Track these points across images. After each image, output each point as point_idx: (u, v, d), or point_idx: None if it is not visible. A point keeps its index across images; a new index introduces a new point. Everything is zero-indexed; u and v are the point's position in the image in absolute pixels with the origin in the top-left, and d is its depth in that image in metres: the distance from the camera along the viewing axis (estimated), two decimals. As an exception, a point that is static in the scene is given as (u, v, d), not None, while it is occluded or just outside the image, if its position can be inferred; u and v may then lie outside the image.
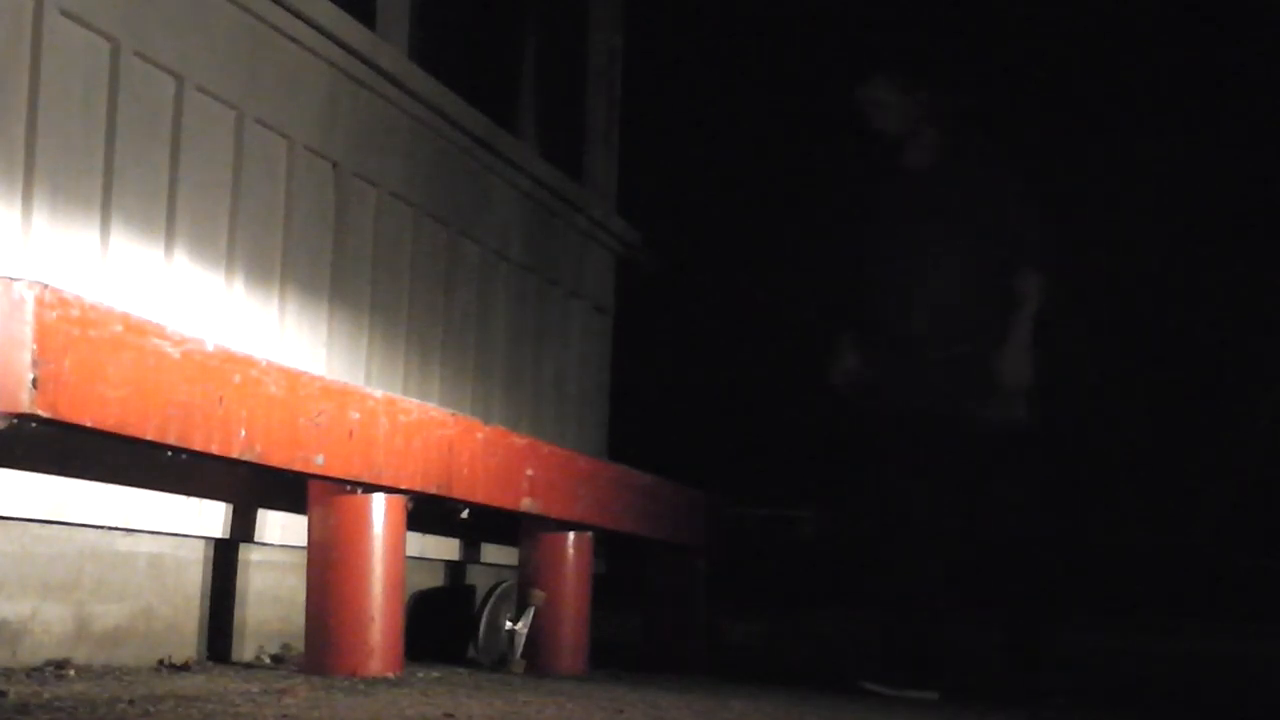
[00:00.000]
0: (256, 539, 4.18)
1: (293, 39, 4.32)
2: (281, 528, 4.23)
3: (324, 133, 4.51)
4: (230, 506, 4.05)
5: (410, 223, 5.03)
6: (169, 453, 3.19)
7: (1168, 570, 17.51)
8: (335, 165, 4.57)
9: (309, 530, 3.90)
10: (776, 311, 16.58)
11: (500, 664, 4.83)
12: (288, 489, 3.93)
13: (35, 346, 2.79)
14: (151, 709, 2.91)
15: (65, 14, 3.47)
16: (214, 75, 3.98)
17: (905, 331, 5.23)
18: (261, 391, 3.38)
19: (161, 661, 3.83)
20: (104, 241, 3.62)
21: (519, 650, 4.82)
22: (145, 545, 3.82)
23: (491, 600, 4.98)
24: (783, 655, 5.21)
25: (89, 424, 2.92)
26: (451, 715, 3.24)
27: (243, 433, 3.32)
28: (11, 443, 3.10)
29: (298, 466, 3.56)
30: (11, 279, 2.80)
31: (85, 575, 3.63)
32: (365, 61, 4.65)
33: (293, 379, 3.52)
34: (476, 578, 5.52)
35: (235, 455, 3.32)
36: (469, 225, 5.43)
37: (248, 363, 3.36)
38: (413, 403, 4.06)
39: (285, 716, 2.97)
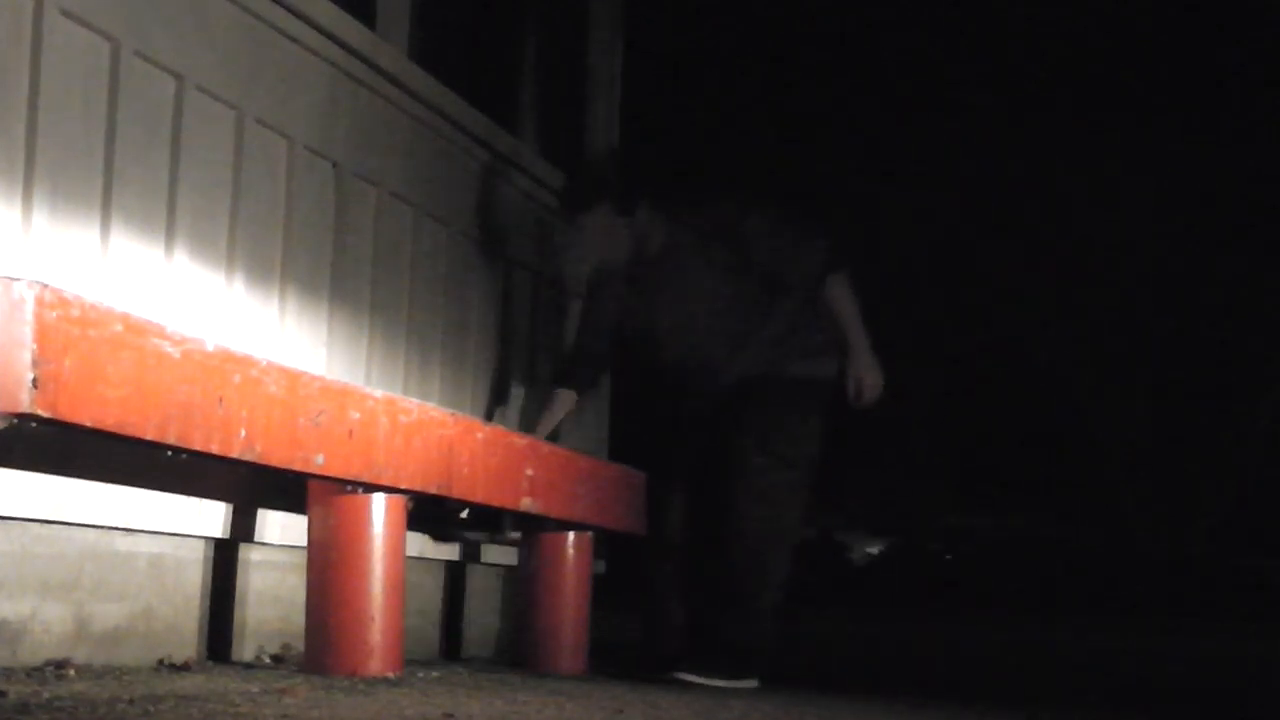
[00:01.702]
0: (256, 539, 4.18)
1: (293, 39, 4.32)
2: (281, 528, 4.23)
3: (324, 133, 4.51)
4: (230, 506, 4.05)
5: (410, 223, 5.03)
6: (169, 453, 3.19)
7: (1168, 570, 17.54)
8: (335, 165, 4.58)
9: (309, 530, 3.90)
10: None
11: (494, 535, 4.85)
12: (288, 489, 3.93)
13: (35, 346, 2.79)
14: (151, 709, 2.91)
15: (65, 14, 3.47)
16: (214, 75, 3.98)
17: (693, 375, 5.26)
18: (261, 391, 3.38)
19: (161, 661, 3.84)
20: (104, 241, 3.62)
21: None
22: (145, 545, 3.82)
23: None
24: (783, 655, 5.20)
25: (89, 424, 2.92)
26: (451, 715, 3.24)
27: (243, 433, 3.32)
28: (11, 443, 3.10)
29: (298, 466, 3.56)
30: (11, 279, 2.80)
31: (85, 575, 3.63)
32: (365, 61, 4.65)
33: (293, 379, 3.52)
34: (477, 578, 5.53)
35: (235, 455, 3.32)
36: (469, 225, 5.43)
37: (248, 363, 3.36)
38: (413, 403, 4.06)
39: (285, 716, 2.97)
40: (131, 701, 2.99)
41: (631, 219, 5.15)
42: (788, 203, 5.36)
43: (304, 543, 3.94)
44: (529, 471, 4.54)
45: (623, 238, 5.17)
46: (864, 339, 5.17)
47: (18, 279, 2.80)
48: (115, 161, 3.64)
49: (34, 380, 2.78)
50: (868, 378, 5.15)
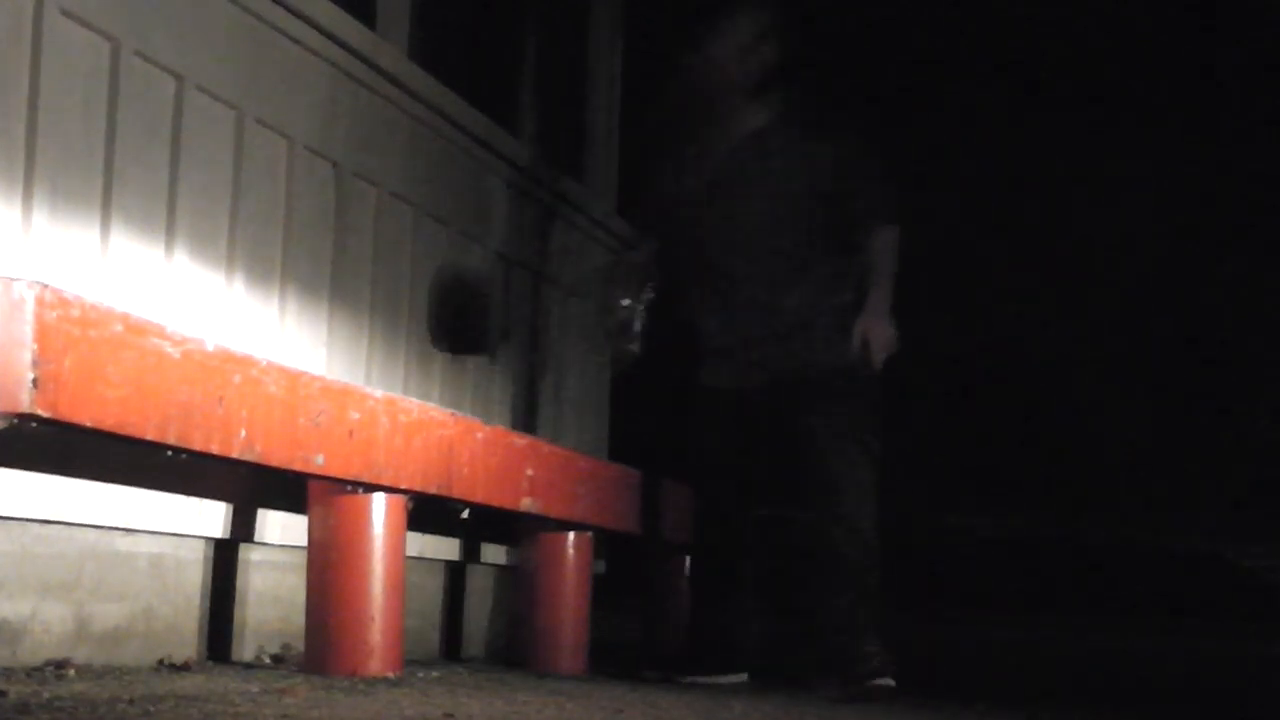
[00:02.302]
0: (256, 539, 4.18)
1: (293, 39, 4.32)
2: (281, 528, 4.23)
3: (324, 133, 4.51)
4: (230, 506, 4.05)
5: (410, 223, 5.03)
6: (169, 453, 3.19)
7: (1168, 570, 17.52)
8: (335, 165, 4.57)
9: (309, 530, 3.90)
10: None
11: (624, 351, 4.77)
12: (288, 489, 3.93)
13: (35, 346, 2.79)
14: (151, 709, 2.91)
15: (65, 14, 3.47)
16: (214, 75, 3.98)
17: (737, 292, 4.99)
18: (261, 391, 3.38)
19: (161, 661, 3.84)
20: (104, 241, 3.62)
21: (637, 326, 4.76)
22: (145, 545, 3.82)
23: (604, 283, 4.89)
24: (783, 655, 5.20)
25: (89, 424, 2.92)
26: (451, 715, 3.24)
27: (243, 433, 3.32)
28: (11, 443, 3.10)
29: (298, 466, 3.56)
30: (11, 279, 2.80)
31: (85, 575, 3.63)
32: (365, 61, 4.65)
33: (293, 379, 3.52)
34: (477, 578, 5.53)
35: (235, 455, 3.32)
36: (469, 225, 5.43)
37: (248, 363, 3.36)
38: (413, 403, 4.06)
39: (285, 716, 2.97)
40: (131, 701, 2.99)
41: (766, 49, 4.91)
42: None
43: (304, 543, 3.94)
44: (529, 471, 4.54)
45: (752, 68, 4.90)
46: (889, 295, 4.91)
47: (18, 279, 2.80)
48: (115, 161, 3.64)
49: (34, 380, 2.78)
50: (877, 332, 4.85)
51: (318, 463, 3.61)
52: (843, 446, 4.94)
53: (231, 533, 4.07)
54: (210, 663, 4.00)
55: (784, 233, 4.98)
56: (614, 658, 5.32)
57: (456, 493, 4.17)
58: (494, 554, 5.47)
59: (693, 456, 5.23)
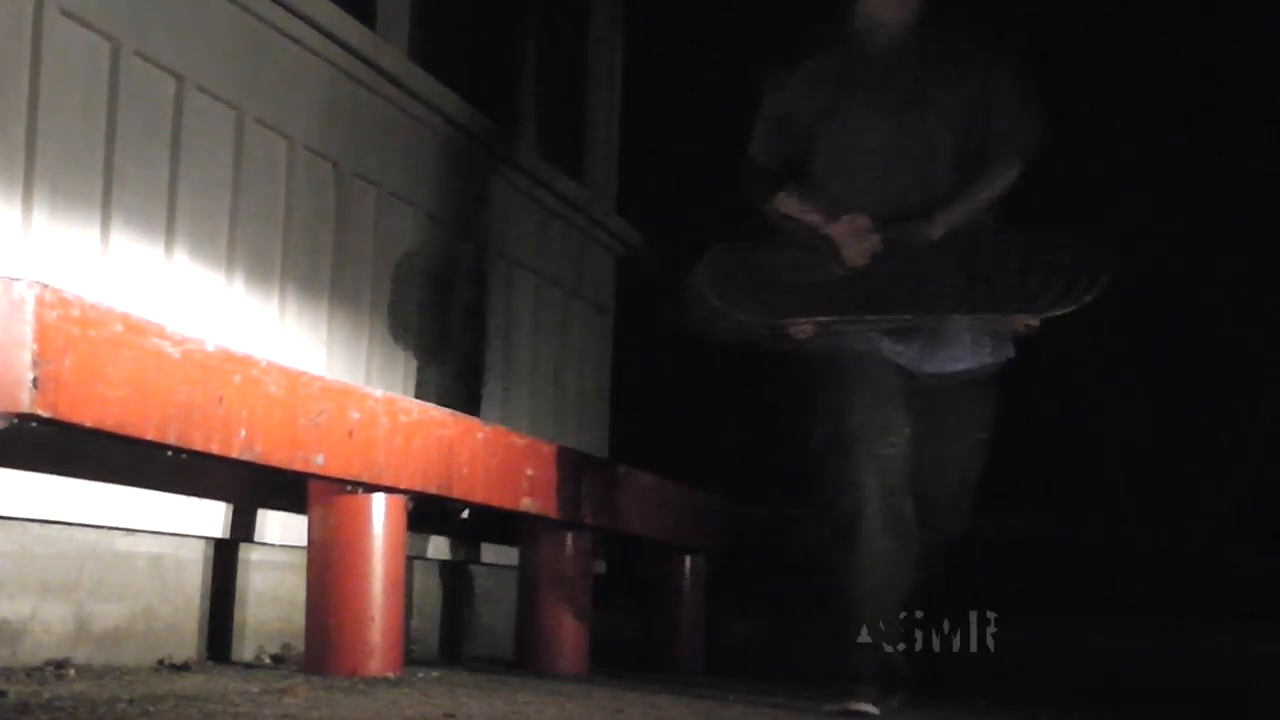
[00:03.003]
0: (256, 539, 4.18)
1: (293, 39, 4.32)
2: (281, 528, 4.23)
3: (324, 133, 4.51)
4: (230, 506, 4.05)
5: (410, 223, 5.03)
6: (169, 453, 3.19)
7: (1168, 570, 17.52)
8: (335, 165, 4.58)
9: (309, 530, 3.90)
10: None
11: None
12: (288, 489, 3.93)
13: (35, 346, 2.79)
14: (151, 709, 2.91)
15: (65, 14, 3.47)
16: (214, 75, 3.98)
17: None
18: (261, 391, 3.38)
19: (161, 661, 3.84)
20: (104, 241, 3.62)
21: None
22: (145, 545, 3.82)
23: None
24: (783, 655, 5.20)
25: (89, 424, 2.92)
26: (451, 715, 3.24)
27: (243, 433, 3.32)
28: (12, 443, 3.10)
29: (298, 466, 3.56)
30: (11, 279, 2.80)
31: (85, 575, 3.63)
32: (365, 61, 4.66)
33: (293, 379, 3.52)
34: (477, 578, 5.53)
35: (235, 455, 3.32)
36: (469, 225, 5.43)
37: (248, 363, 3.36)
38: (413, 403, 4.06)
39: (285, 716, 2.97)
40: (131, 701, 2.99)
41: None
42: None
43: (304, 543, 3.94)
44: (529, 471, 4.54)
45: None
46: (962, 211, 4.53)
47: (18, 279, 2.81)
48: (115, 161, 3.64)
49: (34, 380, 2.78)
50: (925, 228, 4.47)
51: (318, 463, 3.61)
52: (964, 468, 4.71)
53: (231, 533, 4.07)
54: (210, 663, 4.00)
55: (908, 168, 4.59)
56: (614, 658, 5.32)
57: (456, 493, 4.17)
58: (494, 554, 5.47)
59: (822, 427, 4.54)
